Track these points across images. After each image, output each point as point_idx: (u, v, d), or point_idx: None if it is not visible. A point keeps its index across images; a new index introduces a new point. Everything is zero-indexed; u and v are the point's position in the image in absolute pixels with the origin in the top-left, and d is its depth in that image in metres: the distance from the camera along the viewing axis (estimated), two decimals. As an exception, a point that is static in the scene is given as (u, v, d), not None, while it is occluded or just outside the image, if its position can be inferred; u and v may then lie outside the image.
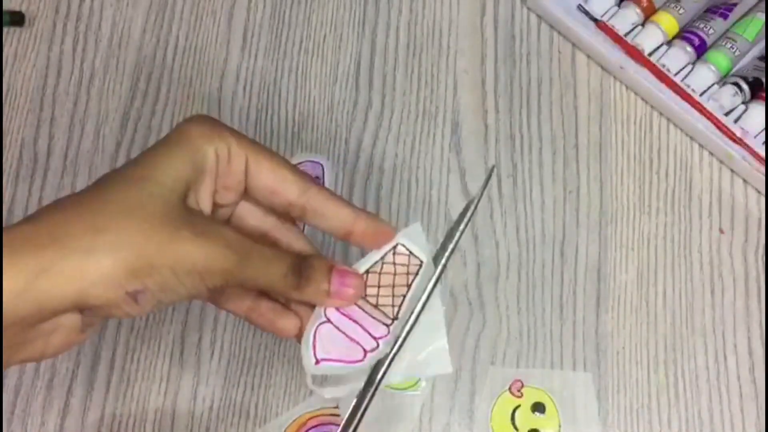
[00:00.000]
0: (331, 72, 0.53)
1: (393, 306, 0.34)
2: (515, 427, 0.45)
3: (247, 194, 0.34)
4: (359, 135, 0.52)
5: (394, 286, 0.34)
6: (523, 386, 0.46)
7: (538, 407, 0.45)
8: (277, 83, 0.53)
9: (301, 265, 0.33)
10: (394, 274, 0.35)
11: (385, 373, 0.34)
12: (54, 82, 0.53)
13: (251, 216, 0.35)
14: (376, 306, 0.34)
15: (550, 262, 0.49)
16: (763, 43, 0.52)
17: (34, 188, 0.51)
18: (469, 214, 0.34)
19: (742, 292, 0.48)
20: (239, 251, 0.30)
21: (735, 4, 0.52)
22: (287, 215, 0.34)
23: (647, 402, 0.46)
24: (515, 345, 0.47)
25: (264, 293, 0.35)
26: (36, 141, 0.52)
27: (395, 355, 0.34)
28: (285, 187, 0.33)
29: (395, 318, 0.34)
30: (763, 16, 0.51)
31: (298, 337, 0.34)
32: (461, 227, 0.34)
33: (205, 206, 0.32)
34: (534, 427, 0.45)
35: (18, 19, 0.54)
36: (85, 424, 0.46)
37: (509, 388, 0.46)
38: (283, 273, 0.32)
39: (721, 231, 0.49)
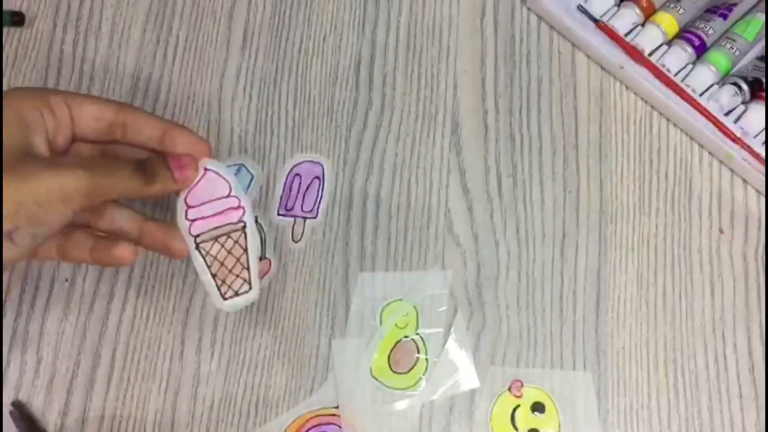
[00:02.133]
0: (331, 72, 0.53)
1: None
2: (515, 427, 0.45)
3: (75, 136, 0.39)
4: (359, 135, 0.52)
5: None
6: (522, 386, 0.46)
7: (538, 407, 0.45)
8: (277, 83, 0.53)
9: (143, 163, 0.39)
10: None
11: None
12: (54, 82, 0.53)
13: (84, 150, 0.40)
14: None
15: (550, 262, 0.49)
16: (763, 43, 0.52)
17: (34, 188, 0.51)
18: None
19: (742, 292, 0.48)
20: (85, 168, 0.36)
21: (735, 4, 0.52)
22: (113, 136, 0.40)
23: (647, 402, 0.46)
24: (515, 345, 0.47)
25: (106, 234, 0.41)
26: (36, 141, 0.52)
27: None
28: (104, 109, 0.39)
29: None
30: (763, 16, 0.51)
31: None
32: None
33: (45, 151, 0.37)
34: (534, 426, 0.45)
35: (18, 19, 0.54)
36: (85, 424, 0.46)
37: (509, 388, 0.46)
38: (130, 174, 0.38)
39: (721, 231, 0.49)
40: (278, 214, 0.50)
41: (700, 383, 0.46)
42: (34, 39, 0.54)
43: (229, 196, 0.41)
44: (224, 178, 0.41)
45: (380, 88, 0.53)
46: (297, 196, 0.50)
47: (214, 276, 0.40)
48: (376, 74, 0.53)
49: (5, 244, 0.34)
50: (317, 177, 0.51)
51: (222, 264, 0.40)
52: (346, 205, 0.50)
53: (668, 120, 0.52)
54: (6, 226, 0.34)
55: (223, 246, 0.40)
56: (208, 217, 0.40)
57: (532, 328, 0.47)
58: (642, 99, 0.52)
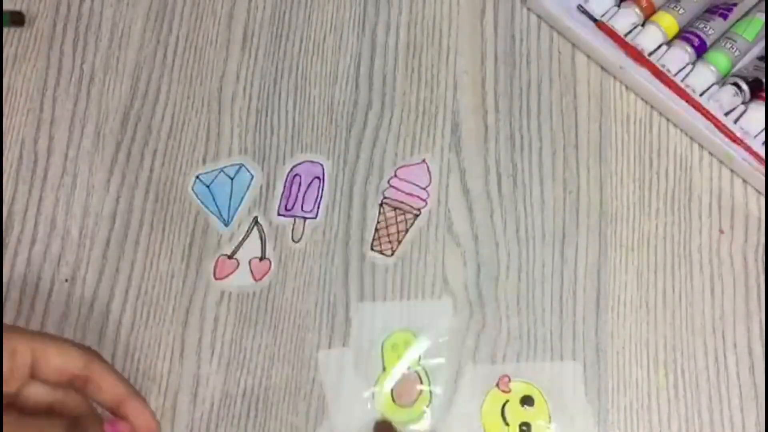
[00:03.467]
0: (331, 72, 0.53)
1: None
2: (506, 422, 0.45)
3: (33, 377, 0.37)
4: (359, 135, 0.52)
5: None
6: (510, 381, 0.46)
7: (527, 400, 0.45)
8: (277, 83, 0.53)
9: (76, 424, 0.36)
10: None
11: None
12: (54, 82, 0.53)
13: (39, 392, 0.38)
14: None
15: (550, 262, 0.49)
16: (763, 43, 0.52)
17: (34, 188, 0.51)
18: None
19: (742, 292, 0.48)
20: (15, 426, 0.34)
21: (735, 4, 0.52)
22: (71, 385, 0.38)
23: (647, 402, 0.46)
24: (515, 345, 0.47)
25: None
26: (36, 141, 0.52)
27: None
28: (70, 362, 0.37)
29: None
30: (763, 16, 0.51)
31: None
32: None
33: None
34: (525, 420, 0.45)
35: (18, 19, 0.54)
36: (85, 424, 0.46)
37: (497, 384, 0.46)
38: None
39: (721, 231, 0.49)
40: (278, 214, 0.50)
41: (700, 383, 0.46)
42: (34, 39, 0.54)
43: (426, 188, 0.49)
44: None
45: (380, 88, 0.53)
46: (297, 196, 0.50)
47: (376, 230, 0.48)
48: (376, 74, 0.53)
49: None
50: (317, 177, 0.51)
51: (387, 226, 0.45)
52: (346, 205, 0.50)
53: (668, 120, 0.52)
54: None
55: (395, 216, 0.48)
56: (402, 191, 0.49)
57: (532, 328, 0.47)
58: (642, 99, 0.52)
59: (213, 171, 0.51)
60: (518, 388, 0.46)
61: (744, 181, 0.50)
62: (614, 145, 0.51)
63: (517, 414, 0.45)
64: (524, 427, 0.45)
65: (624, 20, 0.52)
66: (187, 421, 0.46)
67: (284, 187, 0.51)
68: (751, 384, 0.46)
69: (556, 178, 0.50)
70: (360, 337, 0.47)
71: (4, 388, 0.37)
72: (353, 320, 0.48)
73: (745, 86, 0.50)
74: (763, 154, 0.49)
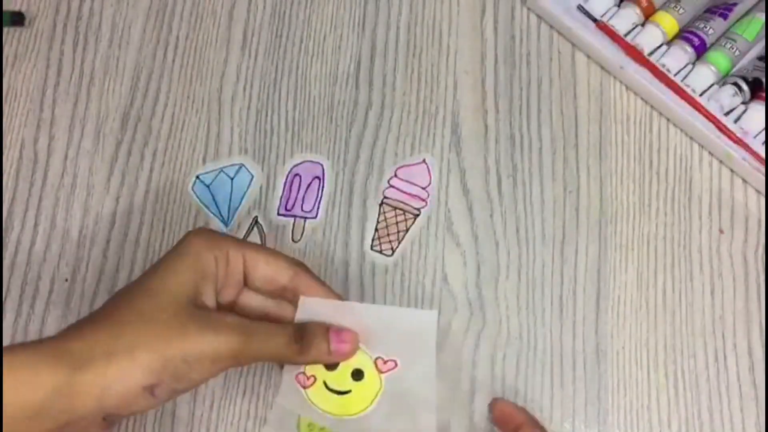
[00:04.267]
0: (331, 72, 0.53)
1: None
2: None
3: (246, 286, 0.39)
4: (359, 135, 0.52)
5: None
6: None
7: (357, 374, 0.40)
8: (277, 83, 0.53)
9: (301, 332, 0.38)
10: None
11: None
12: (54, 82, 0.53)
13: (253, 300, 0.40)
14: None
15: (550, 262, 0.49)
16: (763, 43, 0.52)
17: (34, 188, 0.51)
18: None
19: (742, 292, 0.48)
20: (242, 333, 0.35)
21: (735, 4, 0.52)
22: (282, 296, 0.40)
23: (647, 402, 0.46)
24: (515, 345, 0.47)
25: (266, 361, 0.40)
26: (36, 141, 0.52)
27: None
28: (279, 275, 0.39)
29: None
30: (763, 16, 0.51)
31: None
32: None
33: (211, 303, 0.37)
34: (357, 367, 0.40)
35: (18, 19, 0.54)
36: (85, 424, 0.46)
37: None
38: (286, 342, 0.37)
39: (721, 231, 0.49)
40: (278, 214, 0.50)
41: (700, 383, 0.46)
42: (34, 39, 0.54)
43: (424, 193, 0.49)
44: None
45: (380, 88, 0.53)
46: (297, 196, 0.50)
47: (376, 230, 0.47)
48: (376, 74, 0.53)
49: (145, 396, 0.34)
50: (317, 177, 0.51)
51: (387, 226, 0.44)
52: (346, 205, 0.50)
53: (668, 120, 0.52)
54: (150, 380, 0.33)
55: (395, 216, 0.48)
56: (402, 191, 0.49)
57: (532, 328, 0.47)
58: (642, 99, 0.52)
59: (213, 171, 0.51)
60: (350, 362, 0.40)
61: (744, 181, 0.50)
62: (614, 145, 0.51)
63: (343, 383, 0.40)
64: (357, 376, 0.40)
65: (624, 20, 0.52)
66: (187, 421, 0.46)
67: (284, 187, 0.51)
68: (751, 384, 0.46)
69: (556, 178, 0.50)
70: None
71: (224, 297, 0.38)
72: (351, 289, 0.47)
73: (745, 86, 0.50)
74: (763, 154, 0.49)
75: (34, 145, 0.52)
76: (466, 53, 0.53)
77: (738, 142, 0.49)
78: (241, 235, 0.49)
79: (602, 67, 0.53)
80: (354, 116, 0.52)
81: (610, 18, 0.53)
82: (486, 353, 0.47)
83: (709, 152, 0.51)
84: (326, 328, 0.38)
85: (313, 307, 0.39)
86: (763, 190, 0.49)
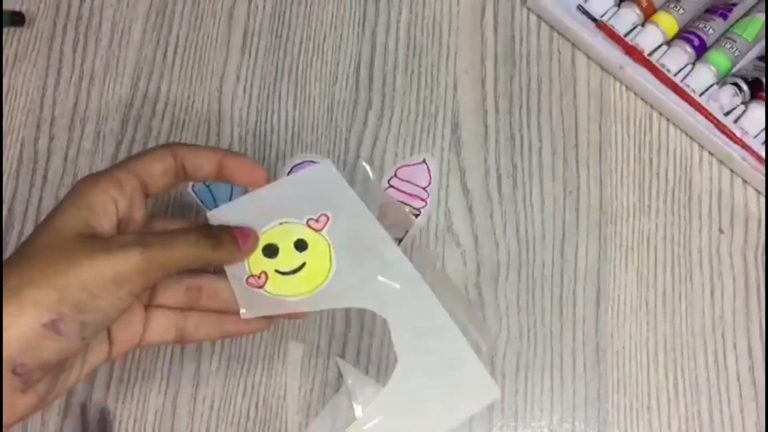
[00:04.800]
0: (331, 72, 0.53)
1: None
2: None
3: (148, 195, 0.37)
4: (359, 135, 0.52)
5: None
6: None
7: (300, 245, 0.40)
8: (277, 83, 0.53)
9: (209, 230, 0.37)
10: None
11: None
12: (54, 82, 0.53)
13: (165, 227, 0.38)
14: None
15: (550, 262, 0.49)
16: (762, 43, 0.52)
17: (34, 188, 0.51)
18: None
19: (742, 292, 0.48)
20: (140, 244, 0.33)
21: (735, 4, 0.52)
22: (178, 180, 0.38)
23: (647, 402, 0.46)
24: (515, 345, 0.47)
25: (188, 309, 0.38)
26: (36, 141, 0.52)
27: None
28: (166, 162, 0.37)
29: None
30: (763, 16, 0.51)
31: (266, 326, 0.40)
32: None
33: (110, 230, 0.35)
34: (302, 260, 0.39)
35: (18, 19, 0.54)
36: (86, 424, 0.46)
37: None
38: (195, 240, 0.35)
39: (721, 231, 0.49)
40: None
41: (700, 383, 0.46)
42: (34, 39, 0.54)
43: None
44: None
45: (380, 88, 0.53)
46: (297, 196, 0.50)
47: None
48: (376, 74, 0.53)
49: (49, 335, 0.30)
50: (317, 177, 0.51)
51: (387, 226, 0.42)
52: (346, 205, 0.50)
53: (668, 120, 0.52)
54: (47, 317, 0.30)
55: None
56: (402, 191, 0.49)
57: (532, 328, 0.47)
58: (642, 99, 0.52)
59: (213, 171, 0.51)
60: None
61: (744, 181, 0.50)
62: (614, 145, 0.51)
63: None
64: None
65: (624, 20, 0.52)
66: (187, 421, 0.46)
67: (284, 187, 0.51)
68: (751, 384, 0.46)
69: (556, 178, 0.50)
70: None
71: (133, 226, 0.36)
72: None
73: (745, 86, 0.50)
74: (763, 154, 0.49)
75: (34, 145, 0.52)
76: (466, 53, 0.54)
77: (738, 142, 0.49)
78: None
79: (602, 67, 0.53)
80: (354, 116, 0.52)
81: (610, 18, 0.53)
82: (486, 353, 0.47)
83: (709, 152, 0.51)
84: (229, 227, 0.38)
85: (222, 215, 0.39)
86: (763, 190, 0.49)
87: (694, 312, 0.48)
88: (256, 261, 0.39)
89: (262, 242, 0.39)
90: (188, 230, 0.36)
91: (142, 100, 0.53)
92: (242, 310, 0.38)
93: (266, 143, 0.52)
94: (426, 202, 0.50)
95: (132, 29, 0.55)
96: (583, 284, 0.48)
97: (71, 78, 0.53)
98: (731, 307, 0.48)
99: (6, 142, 0.52)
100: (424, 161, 0.51)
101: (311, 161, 0.51)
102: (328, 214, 0.39)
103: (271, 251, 0.39)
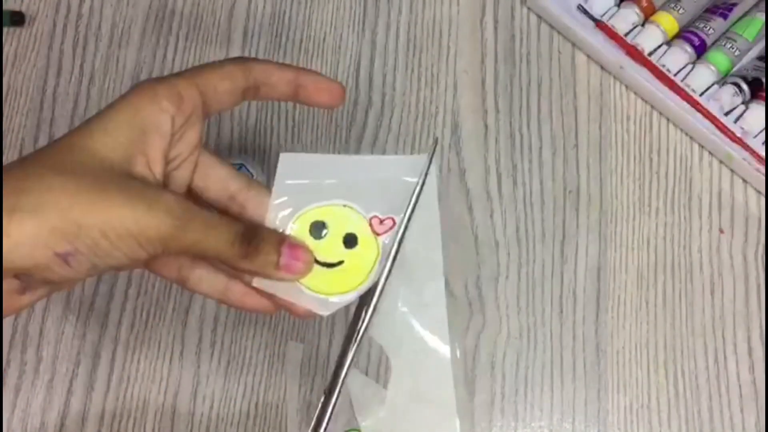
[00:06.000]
0: (331, 72, 0.53)
1: None
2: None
3: (206, 116, 0.33)
4: (359, 135, 0.52)
5: None
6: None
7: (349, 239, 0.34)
8: (277, 83, 0.53)
9: (250, 234, 0.32)
10: None
11: (377, 300, 0.34)
12: (54, 82, 0.53)
13: (213, 178, 0.34)
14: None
15: (550, 262, 0.49)
16: (763, 43, 0.52)
17: (34, 188, 0.51)
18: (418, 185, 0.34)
19: (742, 292, 0.48)
20: (179, 216, 0.30)
21: (735, 4, 0.52)
22: (245, 99, 0.34)
23: (647, 402, 0.46)
24: (515, 345, 0.47)
25: (202, 259, 0.34)
26: (36, 141, 0.52)
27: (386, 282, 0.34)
28: (238, 80, 0.33)
29: None
30: (763, 16, 0.51)
31: (270, 311, 0.35)
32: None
33: (155, 171, 0.31)
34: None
35: (18, 19, 0.54)
36: (85, 424, 0.46)
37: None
38: (230, 240, 0.31)
39: (721, 231, 0.49)
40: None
41: (700, 383, 0.46)
42: (34, 39, 0.54)
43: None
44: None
45: (380, 88, 0.53)
46: (297, 196, 0.50)
47: None
48: (376, 74, 0.53)
49: (59, 263, 0.28)
50: (317, 177, 0.51)
51: None
52: (346, 205, 0.50)
53: (668, 120, 0.52)
54: (63, 247, 0.28)
55: None
56: None
57: (532, 328, 0.47)
58: (642, 99, 0.52)
59: (213, 171, 0.51)
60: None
61: (744, 181, 0.50)
62: (614, 144, 0.51)
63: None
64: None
65: (624, 20, 0.52)
66: (187, 421, 0.46)
67: (284, 187, 0.50)
68: (751, 384, 0.46)
69: (556, 178, 0.50)
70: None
71: (180, 149, 0.33)
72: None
73: (745, 86, 0.50)
74: (763, 154, 0.49)
75: (34, 145, 0.52)
76: (466, 53, 0.53)
77: (738, 142, 0.49)
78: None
79: (602, 67, 0.53)
80: (354, 116, 0.52)
81: (610, 18, 0.53)
82: (486, 353, 0.47)
83: (709, 152, 0.51)
84: (281, 239, 0.33)
85: (294, 164, 0.34)
86: (763, 190, 0.49)
87: (694, 312, 0.48)
88: (300, 232, 0.34)
89: (316, 216, 0.34)
90: (232, 224, 0.32)
91: (142, 100, 0.53)
92: (255, 282, 0.34)
93: (266, 143, 0.52)
94: None
95: (132, 29, 0.55)
96: (583, 284, 0.48)
97: (71, 78, 0.53)
98: (731, 307, 0.48)
99: (6, 142, 0.52)
100: None
101: (311, 161, 0.51)
102: (396, 219, 0.34)
103: (318, 229, 0.34)
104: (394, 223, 0.34)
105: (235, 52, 0.54)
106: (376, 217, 0.34)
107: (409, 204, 0.34)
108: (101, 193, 0.29)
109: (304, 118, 0.52)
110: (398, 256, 0.33)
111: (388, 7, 0.55)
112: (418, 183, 0.34)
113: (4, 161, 0.51)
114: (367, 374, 0.46)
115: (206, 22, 0.55)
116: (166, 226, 0.29)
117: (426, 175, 0.34)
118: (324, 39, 0.54)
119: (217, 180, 0.34)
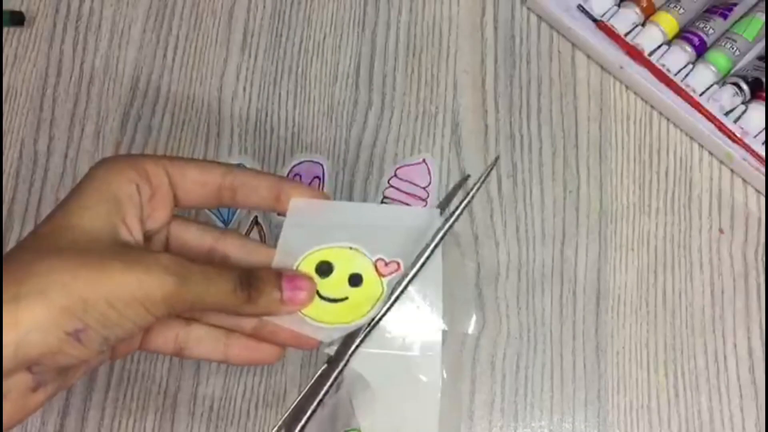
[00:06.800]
0: (331, 72, 0.53)
1: None
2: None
3: (177, 205, 0.34)
4: (359, 135, 0.52)
5: None
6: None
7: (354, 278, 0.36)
8: (277, 83, 0.53)
9: (249, 278, 0.33)
10: None
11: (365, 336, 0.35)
12: (54, 82, 0.53)
13: (189, 235, 0.35)
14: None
15: (550, 262, 0.49)
16: (763, 43, 0.52)
17: (34, 188, 0.51)
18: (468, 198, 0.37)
19: (742, 292, 0.48)
20: (177, 273, 0.30)
21: (735, 4, 0.52)
22: (221, 201, 0.35)
23: (647, 402, 0.46)
24: (515, 345, 0.47)
25: (193, 320, 0.35)
26: (36, 141, 0.52)
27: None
28: (211, 173, 0.34)
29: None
30: (763, 16, 0.51)
31: (278, 357, 0.36)
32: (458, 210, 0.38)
33: (136, 236, 0.32)
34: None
35: (18, 19, 0.54)
36: (85, 424, 0.46)
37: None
38: (231, 288, 0.32)
39: (721, 231, 0.49)
40: (278, 214, 0.50)
41: (700, 383, 0.46)
42: (34, 39, 0.54)
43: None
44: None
45: (380, 88, 0.53)
46: (297, 196, 0.50)
47: None
48: (376, 74, 0.53)
49: (71, 342, 0.29)
50: (317, 177, 0.51)
51: None
52: (346, 205, 0.50)
53: (668, 120, 0.52)
54: (73, 325, 0.28)
55: None
56: (402, 191, 0.45)
57: (532, 328, 0.47)
58: (642, 99, 0.52)
59: (213, 171, 0.51)
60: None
61: (744, 181, 0.50)
62: (614, 144, 0.51)
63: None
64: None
65: (624, 20, 0.52)
66: (187, 421, 0.46)
67: (284, 187, 0.50)
68: (751, 384, 0.46)
69: (556, 178, 0.50)
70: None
71: (154, 221, 0.34)
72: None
73: (745, 86, 0.50)
74: (763, 154, 0.49)
75: (34, 145, 0.52)
76: (466, 53, 0.54)
77: (738, 142, 0.49)
78: (241, 235, 0.49)
79: (602, 67, 0.53)
80: (354, 116, 0.52)
81: (610, 18, 0.53)
82: (486, 353, 0.47)
83: (709, 152, 0.51)
84: (278, 274, 0.34)
85: (303, 209, 0.35)
86: (763, 190, 0.49)
87: (694, 312, 0.48)
88: (305, 270, 0.36)
89: (323, 257, 0.36)
90: (229, 272, 0.32)
91: (142, 100, 0.53)
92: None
93: (266, 143, 0.52)
94: (426, 202, 0.50)
95: (132, 29, 0.55)
96: (583, 284, 0.48)
97: (71, 78, 0.53)
98: (731, 307, 0.48)
99: (6, 142, 0.52)
100: (424, 161, 0.51)
101: (311, 161, 0.51)
102: (401, 263, 0.36)
103: (324, 270, 0.35)
104: (399, 266, 0.36)
105: (235, 52, 0.54)
106: (381, 259, 0.36)
107: (421, 255, 0.36)
108: (100, 265, 0.29)
109: (304, 119, 0.52)
110: (399, 304, 0.35)
111: (388, 7, 0.55)
112: (434, 238, 0.36)
113: (5, 161, 0.51)
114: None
115: (206, 22, 0.55)
116: (168, 284, 0.30)
117: (444, 232, 0.36)
118: (324, 39, 0.54)
119: (191, 238, 0.35)
